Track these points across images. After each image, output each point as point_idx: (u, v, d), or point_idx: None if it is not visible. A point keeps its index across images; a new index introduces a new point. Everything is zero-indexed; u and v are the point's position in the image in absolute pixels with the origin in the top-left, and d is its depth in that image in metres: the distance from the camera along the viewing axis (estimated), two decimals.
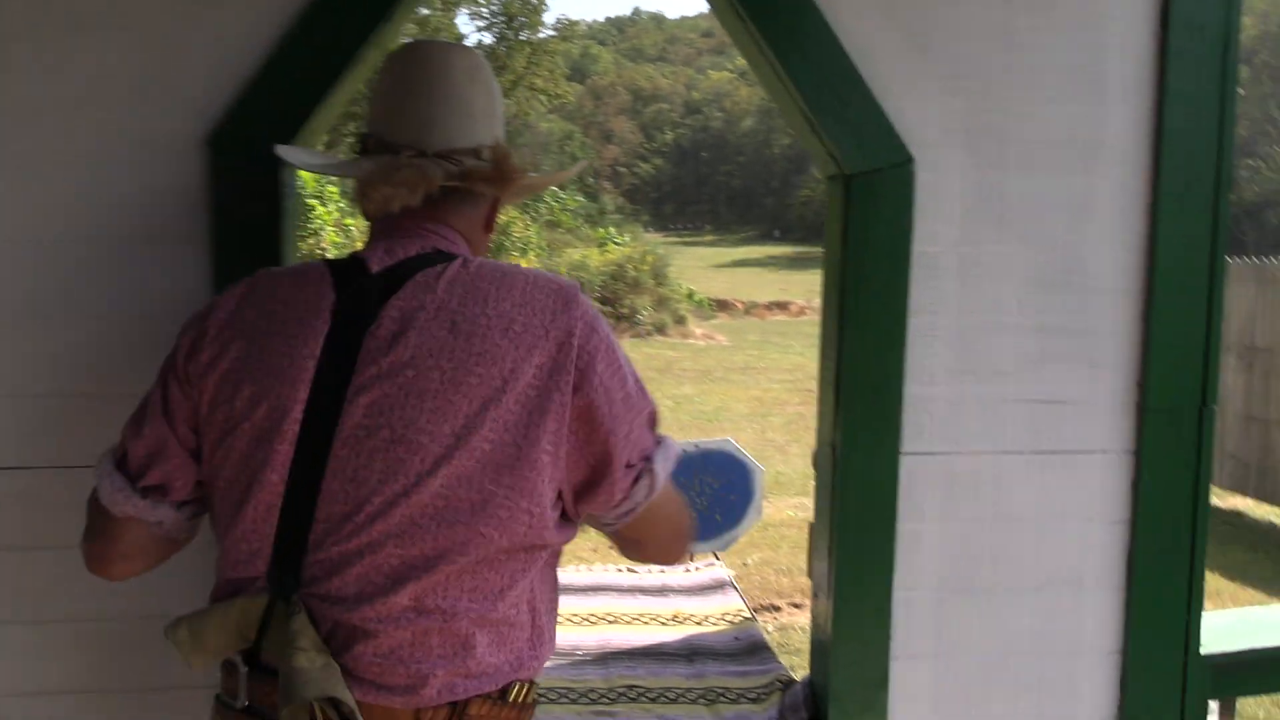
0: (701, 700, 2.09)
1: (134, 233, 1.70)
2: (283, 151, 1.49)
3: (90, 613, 1.74)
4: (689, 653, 2.33)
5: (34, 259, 1.69)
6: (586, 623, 2.51)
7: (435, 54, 1.38)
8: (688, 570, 2.86)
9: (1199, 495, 1.92)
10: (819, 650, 2.00)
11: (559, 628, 1.35)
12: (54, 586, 1.73)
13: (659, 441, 1.32)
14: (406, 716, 1.17)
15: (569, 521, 1.28)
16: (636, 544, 1.40)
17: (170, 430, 1.27)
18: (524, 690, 1.25)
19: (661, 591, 2.71)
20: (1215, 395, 1.90)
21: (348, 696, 1.13)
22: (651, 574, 2.82)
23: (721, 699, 2.10)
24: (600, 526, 1.33)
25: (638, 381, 1.29)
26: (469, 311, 1.19)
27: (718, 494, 6.13)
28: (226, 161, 1.69)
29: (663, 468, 1.30)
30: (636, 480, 1.27)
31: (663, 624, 2.49)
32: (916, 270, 1.87)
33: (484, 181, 1.32)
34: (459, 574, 1.17)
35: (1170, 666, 1.94)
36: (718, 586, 2.73)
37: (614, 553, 1.47)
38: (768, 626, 5.57)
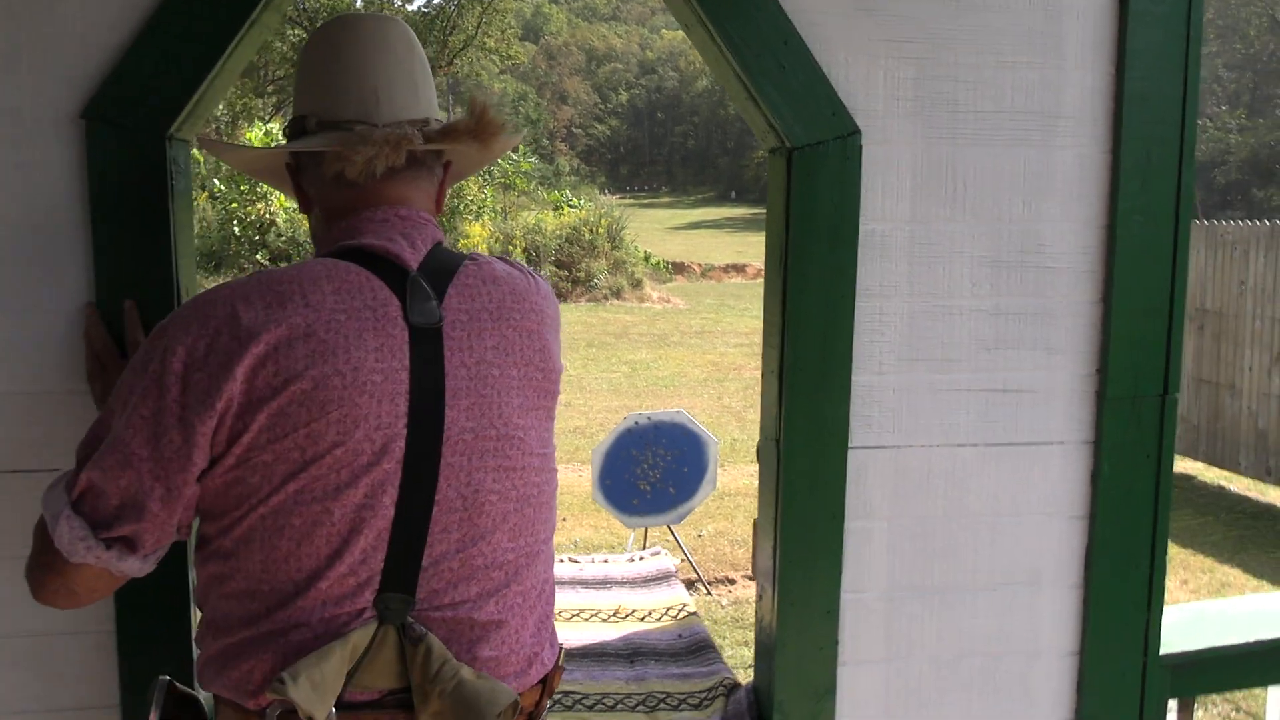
0: (641, 707, 1.98)
1: (6, 214, 1.52)
2: (207, 147, 1.44)
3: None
4: (630, 653, 2.21)
5: None
6: None
7: (370, 27, 1.31)
8: (631, 560, 2.74)
9: (1160, 489, 1.82)
10: (763, 654, 1.89)
11: None
12: None
13: None
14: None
15: None
16: None
17: (157, 482, 1.11)
18: (562, 652, 1.36)
19: (604, 584, 2.59)
20: (1178, 383, 1.79)
21: (513, 694, 1.16)
22: (594, 564, 2.69)
23: (662, 705, 1.98)
24: None
25: None
26: (520, 308, 1.25)
27: (670, 466, 6.04)
28: (104, 136, 1.51)
29: None
30: None
31: (603, 620, 2.37)
32: (863, 250, 1.74)
33: (467, 136, 1.26)
34: (543, 548, 1.28)
35: (1130, 667, 1.84)
36: (663, 578, 2.61)
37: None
38: (721, 601, 5.49)
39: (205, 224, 21.16)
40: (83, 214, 1.53)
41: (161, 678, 1.27)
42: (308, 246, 22.65)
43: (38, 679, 1.60)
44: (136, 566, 1.17)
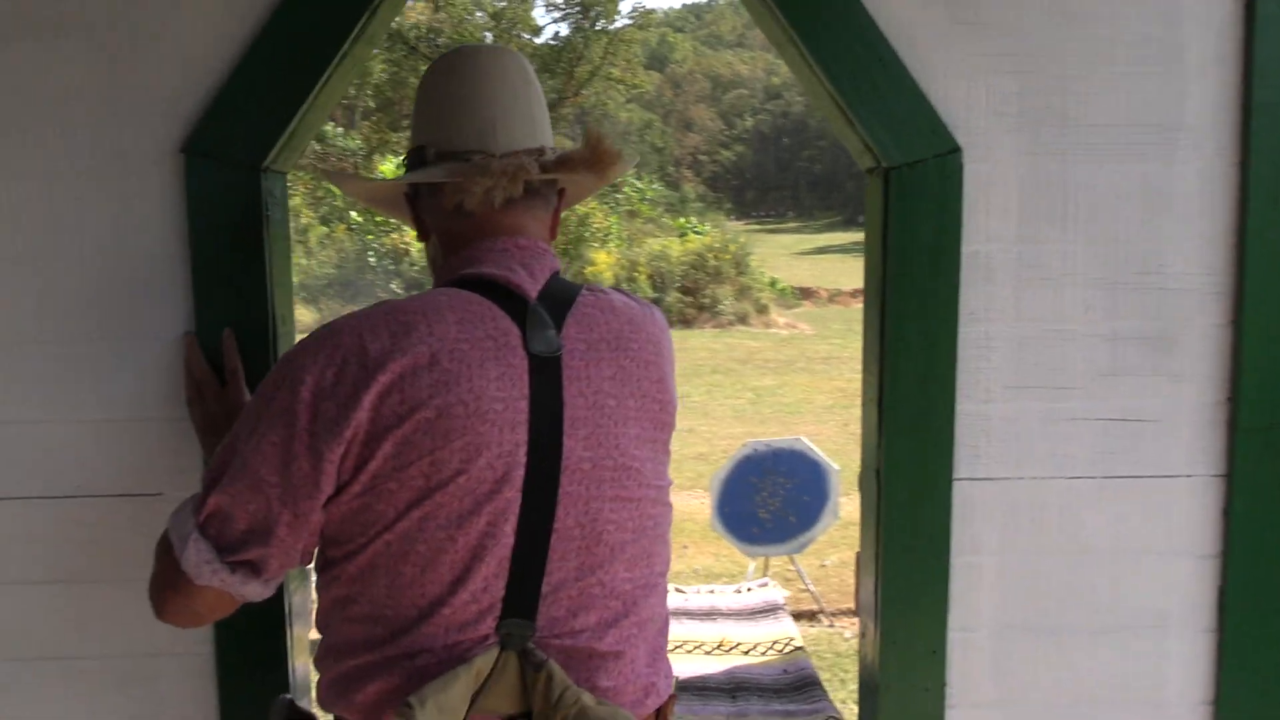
0: None
1: (105, 250, 1.59)
2: (329, 178, 1.42)
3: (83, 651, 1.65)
4: (733, 687, 2.15)
5: (12, 278, 1.59)
6: None
7: (487, 58, 1.33)
8: (739, 592, 2.69)
9: None
10: (867, 694, 1.81)
11: None
12: (40, 621, 1.64)
13: None
14: None
15: None
16: None
17: (284, 508, 1.14)
18: (675, 682, 1.36)
19: (709, 615, 2.54)
20: None
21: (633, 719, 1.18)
22: (700, 595, 2.65)
23: None
24: None
25: None
26: (637, 338, 1.25)
27: (790, 494, 5.92)
28: (202, 170, 1.57)
29: None
30: None
31: (707, 653, 2.33)
32: (967, 272, 1.67)
33: (583, 166, 1.28)
34: (659, 581, 1.28)
35: (1271, 718, 1.70)
36: (770, 611, 2.55)
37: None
38: (844, 633, 5.36)
39: (342, 254, 22.02)
40: (182, 245, 1.58)
41: (283, 696, 1.32)
42: None
43: (141, 700, 1.65)
44: (258, 590, 1.20)
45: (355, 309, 1.20)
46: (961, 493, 1.70)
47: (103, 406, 1.61)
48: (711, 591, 2.68)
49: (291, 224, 1.86)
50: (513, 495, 1.13)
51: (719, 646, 2.35)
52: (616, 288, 1.32)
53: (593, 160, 1.25)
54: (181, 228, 1.58)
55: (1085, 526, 1.71)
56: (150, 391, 1.61)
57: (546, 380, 1.16)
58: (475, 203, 1.23)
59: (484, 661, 1.14)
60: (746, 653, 2.32)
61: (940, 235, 1.65)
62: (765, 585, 2.72)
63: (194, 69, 1.57)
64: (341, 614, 1.20)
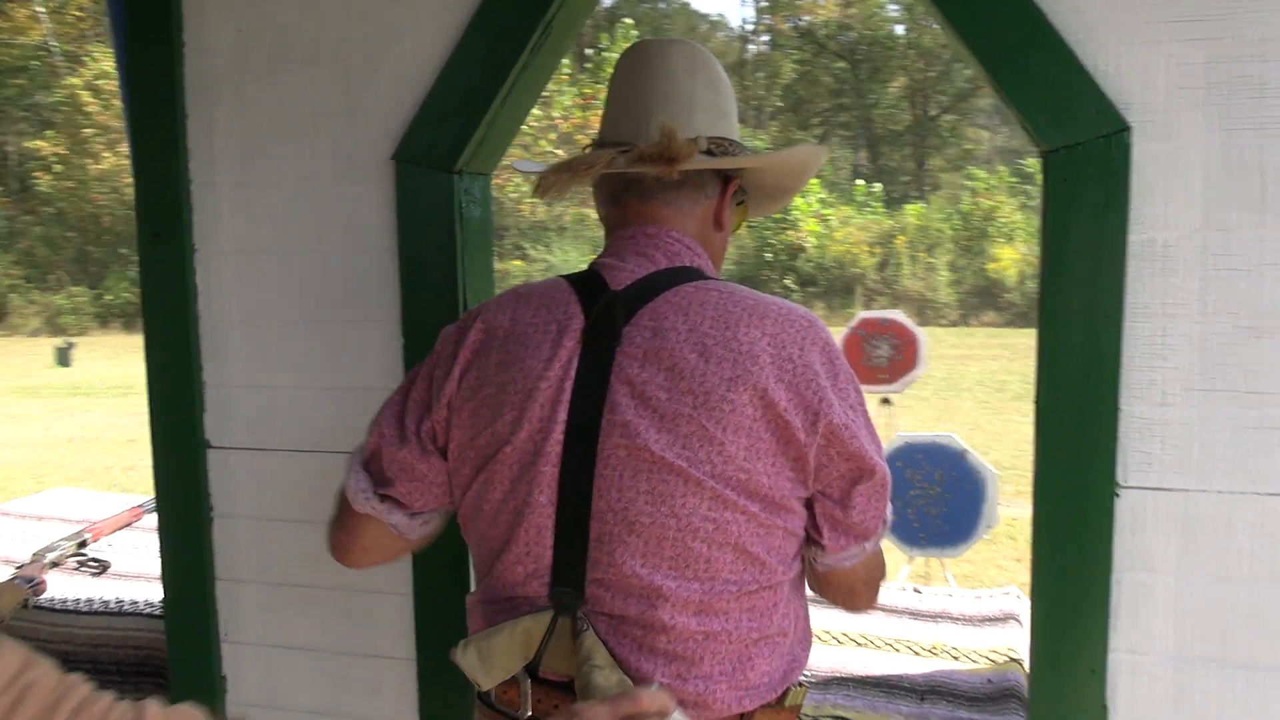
0: None
1: (339, 245, 1.90)
2: (517, 165, 1.54)
3: (320, 580, 1.99)
4: (926, 690, 2.10)
5: (258, 268, 1.95)
6: (835, 643, 2.35)
7: (652, 51, 1.36)
8: (979, 597, 2.57)
9: None
10: (1028, 711, 1.71)
11: None
12: (286, 553, 2.00)
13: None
14: None
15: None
16: (844, 589, 1.34)
17: (423, 455, 1.31)
18: (800, 693, 1.29)
19: (936, 618, 2.47)
20: None
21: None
22: (934, 599, 2.57)
23: None
24: (815, 565, 1.30)
25: (869, 424, 1.25)
26: (721, 336, 1.19)
27: (941, 496, 5.39)
28: (408, 175, 1.82)
29: (889, 517, 1.29)
30: None
31: (915, 653, 2.27)
32: (1141, 263, 1.52)
33: (648, 162, 1.25)
34: (738, 595, 1.19)
35: None
36: (1002, 619, 2.42)
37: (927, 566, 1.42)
38: None
39: (743, 250, 22.77)
40: (393, 241, 1.85)
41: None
42: (835, 272, 23.41)
43: (359, 626, 1.95)
44: (405, 523, 1.36)
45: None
46: (1129, 501, 1.55)
47: (336, 376, 1.92)
48: (949, 595, 2.58)
49: None
50: (548, 469, 1.20)
51: (930, 650, 2.28)
52: (783, 301, 1.26)
53: (657, 157, 1.25)
54: (393, 226, 1.85)
55: None
56: (371, 365, 1.90)
57: (595, 367, 1.21)
58: (540, 192, 1.32)
59: (532, 622, 1.22)
60: (956, 658, 2.23)
61: (1102, 222, 1.52)
62: (1008, 594, 2.57)
63: (404, 88, 1.82)
64: (470, 553, 1.37)
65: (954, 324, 21.56)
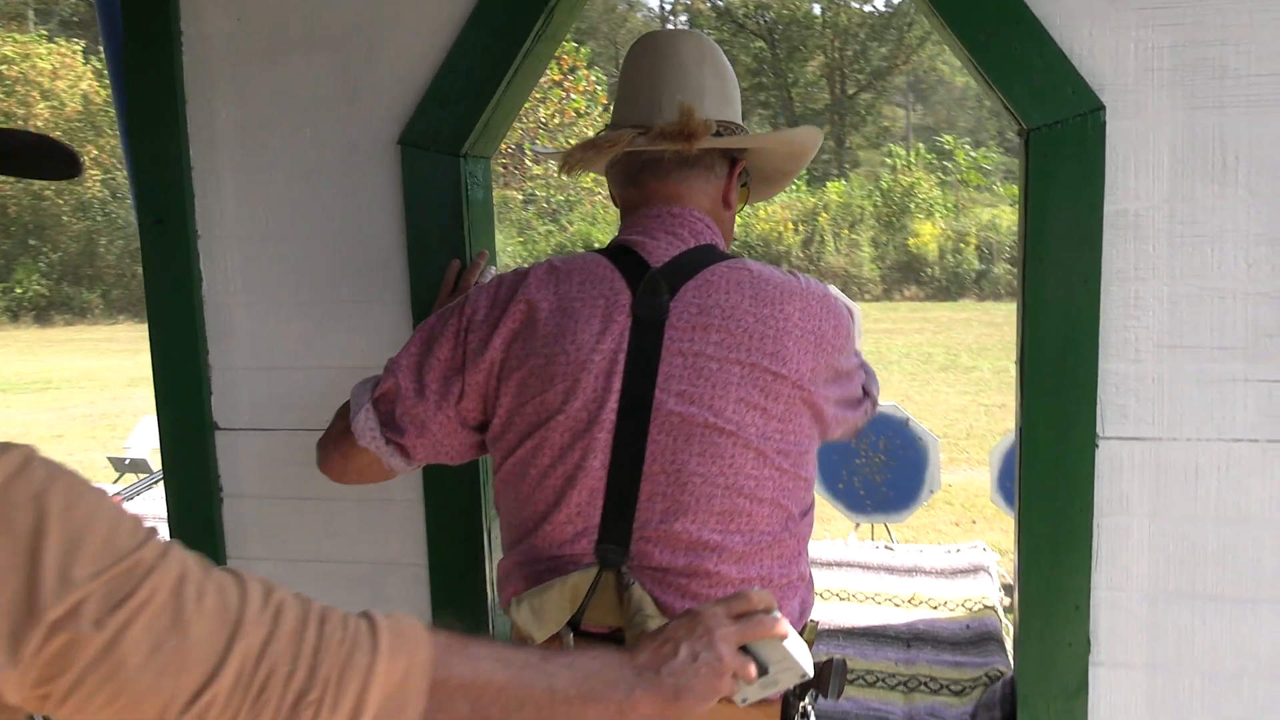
0: (901, 687, 2.01)
1: (343, 227, 1.95)
2: (536, 150, 1.65)
3: (331, 555, 2.04)
4: (911, 637, 2.23)
5: (261, 252, 1.99)
6: (819, 599, 2.48)
7: (662, 40, 1.46)
8: (948, 552, 2.72)
9: None
10: (1016, 648, 1.85)
11: None
12: (296, 530, 2.05)
13: (866, 371, 1.54)
14: None
15: None
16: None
17: (439, 413, 1.38)
18: (813, 628, 1.41)
19: (910, 572, 2.61)
20: None
21: None
22: (907, 554, 2.72)
23: (923, 688, 2.00)
24: None
25: (864, 364, 1.54)
26: (760, 314, 1.31)
27: (887, 463, 5.63)
28: (414, 159, 1.88)
29: (874, 391, 1.57)
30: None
31: (895, 605, 2.41)
32: (1114, 231, 1.66)
33: (666, 140, 1.35)
34: (770, 544, 1.31)
35: None
36: (972, 570, 2.58)
37: (872, 532, 1.54)
38: None
39: None
40: (400, 222, 1.90)
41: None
42: (760, 249, 23.71)
43: (372, 598, 2.01)
44: (400, 465, 1.44)
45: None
46: (1108, 450, 1.69)
47: (340, 356, 1.97)
48: (920, 551, 2.73)
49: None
50: (603, 436, 1.29)
51: (909, 601, 2.41)
52: (792, 271, 1.39)
53: (676, 135, 1.35)
54: (399, 208, 1.91)
55: (1247, 492, 1.66)
56: (378, 344, 1.95)
57: (647, 341, 1.29)
58: (565, 170, 1.41)
59: (580, 578, 1.30)
60: (935, 608, 2.37)
61: (1080, 194, 1.65)
62: (975, 548, 2.73)
63: (408, 74, 1.88)
64: (501, 521, 1.44)
65: (877, 299, 21.97)
